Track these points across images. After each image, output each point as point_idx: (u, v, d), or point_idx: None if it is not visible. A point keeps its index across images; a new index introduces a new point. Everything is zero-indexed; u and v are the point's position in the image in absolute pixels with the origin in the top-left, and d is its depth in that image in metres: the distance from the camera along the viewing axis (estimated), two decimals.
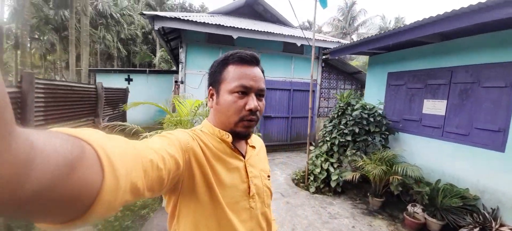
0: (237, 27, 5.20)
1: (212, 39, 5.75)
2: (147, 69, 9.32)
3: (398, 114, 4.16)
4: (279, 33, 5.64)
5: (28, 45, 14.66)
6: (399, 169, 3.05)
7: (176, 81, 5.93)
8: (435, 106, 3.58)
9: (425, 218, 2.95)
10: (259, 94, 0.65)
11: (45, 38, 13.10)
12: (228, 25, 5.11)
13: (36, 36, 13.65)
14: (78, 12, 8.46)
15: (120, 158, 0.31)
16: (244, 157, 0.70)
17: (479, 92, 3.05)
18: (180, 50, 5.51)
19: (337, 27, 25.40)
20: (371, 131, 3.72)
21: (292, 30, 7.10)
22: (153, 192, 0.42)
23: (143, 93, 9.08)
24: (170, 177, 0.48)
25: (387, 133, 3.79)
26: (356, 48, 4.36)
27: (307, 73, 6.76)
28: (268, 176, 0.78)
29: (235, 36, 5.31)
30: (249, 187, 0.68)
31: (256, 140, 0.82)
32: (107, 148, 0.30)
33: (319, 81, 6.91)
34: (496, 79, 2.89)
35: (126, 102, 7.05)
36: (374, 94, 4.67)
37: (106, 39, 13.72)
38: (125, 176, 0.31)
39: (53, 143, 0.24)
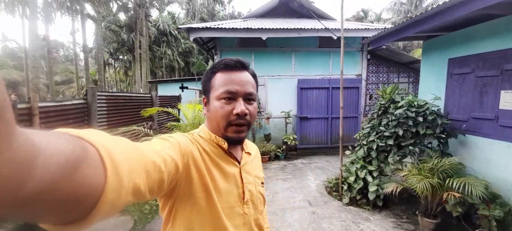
0: (265, 28, 5.12)
1: (244, 43, 5.85)
2: (196, 77, 10.26)
3: (465, 111, 3.24)
4: (306, 28, 5.24)
5: (114, 64, 18.45)
6: (455, 184, 2.34)
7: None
8: None
9: None
10: (248, 98, 0.65)
11: (125, 58, 16.16)
12: (256, 28, 5.09)
13: (120, 57, 17.02)
14: (141, 33, 10.14)
15: (122, 158, 0.31)
16: (239, 162, 0.71)
17: None
18: (215, 56, 5.84)
19: (400, 12, 21.97)
20: (421, 133, 3.01)
21: (327, 23, 6.52)
22: (153, 194, 0.43)
23: (193, 98, 10.06)
24: (169, 179, 0.48)
25: (444, 135, 2.99)
26: (402, 32, 3.62)
27: (349, 68, 6.07)
28: (262, 183, 0.79)
29: (264, 38, 5.24)
30: (243, 193, 0.68)
31: (251, 146, 0.83)
32: (109, 149, 0.30)
33: (364, 76, 6.09)
34: None
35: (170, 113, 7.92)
36: (431, 87, 3.78)
37: (167, 53, 15.86)
38: (128, 176, 0.32)
39: (55, 143, 0.24)
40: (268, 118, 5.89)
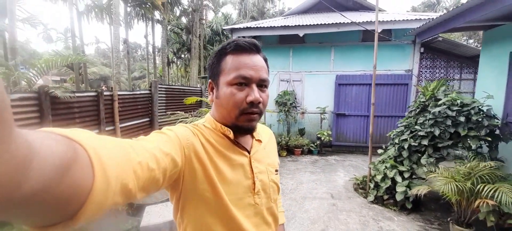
0: (301, 25, 5.22)
1: (283, 40, 6.07)
2: None
3: None
4: (344, 23, 5.04)
5: (176, 62, 21.21)
6: (486, 189, 2.10)
7: None
8: None
9: None
10: (261, 84, 0.61)
11: (185, 56, 18.42)
12: (292, 25, 5.25)
13: (181, 56, 19.47)
14: (196, 34, 11.52)
15: (110, 159, 0.31)
16: (249, 152, 0.67)
17: None
18: None
19: None
20: (462, 134, 2.71)
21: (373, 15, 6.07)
22: (147, 192, 0.42)
23: None
24: (166, 175, 0.47)
25: (489, 138, 2.61)
26: (452, 21, 3.24)
27: (397, 63, 5.58)
28: (276, 171, 0.74)
29: (301, 34, 5.35)
30: (254, 183, 0.65)
31: (264, 131, 0.78)
32: (98, 149, 0.30)
33: (415, 71, 5.48)
34: None
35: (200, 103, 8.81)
36: (489, 84, 3.26)
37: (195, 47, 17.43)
38: (116, 177, 0.31)
39: (49, 144, 0.24)
40: (303, 113, 6.00)
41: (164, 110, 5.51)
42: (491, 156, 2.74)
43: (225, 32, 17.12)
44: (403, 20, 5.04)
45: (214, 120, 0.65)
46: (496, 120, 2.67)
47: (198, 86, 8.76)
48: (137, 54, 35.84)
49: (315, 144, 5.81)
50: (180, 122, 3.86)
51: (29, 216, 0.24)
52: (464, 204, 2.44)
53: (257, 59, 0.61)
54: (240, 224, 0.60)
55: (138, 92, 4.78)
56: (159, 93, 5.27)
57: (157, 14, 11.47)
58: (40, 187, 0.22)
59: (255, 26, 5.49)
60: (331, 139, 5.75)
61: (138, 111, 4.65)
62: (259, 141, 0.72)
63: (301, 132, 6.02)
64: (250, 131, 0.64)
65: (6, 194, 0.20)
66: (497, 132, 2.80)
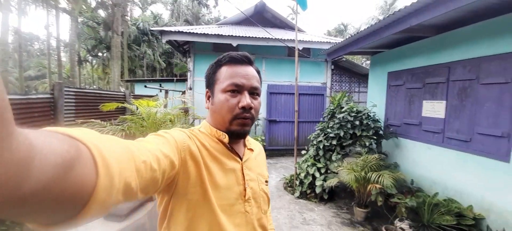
0: (235, 35, 5.46)
1: (218, 48, 6.14)
2: (175, 78, 10.35)
3: (399, 117, 3.75)
4: (272, 38, 5.67)
5: (91, 62, 17.93)
6: (373, 177, 2.76)
7: (183, 91, 6.51)
8: (434, 108, 3.13)
9: None
10: (253, 92, 0.65)
11: (103, 55, 15.80)
12: (226, 34, 5.41)
13: (98, 54, 16.58)
14: (117, 31, 10.15)
15: (114, 157, 0.31)
16: (241, 158, 0.70)
17: (479, 90, 2.58)
18: (188, 59, 6.06)
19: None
20: (358, 135, 3.45)
21: (300, 34, 7.01)
22: (147, 193, 0.43)
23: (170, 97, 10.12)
24: (165, 177, 0.47)
25: (375, 137, 3.45)
26: (348, 47, 4.11)
27: (315, 77, 6.56)
28: (266, 181, 0.77)
29: (234, 44, 5.58)
30: (245, 190, 0.66)
31: (255, 144, 0.81)
32: (101, 148, 0.30)
33: (329, 84, 6.61)
34: (497, 74, 2.41)
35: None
36: (376, 96, 4.29)
37: (147, 53, 15.74)
38: (119, 176, 0.32)
39: (51, 143, 0.24)
40: None
41: (73, 118, 4.54)
42: (378, 150, 3.58)
43: (154, 33, 15.80)
44: (318, 41, 6.03)
45: (209, 125, 0.68)
46: (379, 123, 3.53)
47: (122, 90, 7.67)
48: (34, 48, 28.23)
49: None
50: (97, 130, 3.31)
51: (32, 215, 0.24)
52: (361, 189, 3.08)
53: (249, 69, 0.66)
54: None
55: (34, 97, 3.75)
56: (67, 98, 4.31)
57: (63, 2, 9.43)
58: (42, 186, 0.22)
59: (188, 31, 5.34)
60: (264, 144, 6.14)
61: (33, 120, 3.66)
62: (251, 149, 0.75)
63: None
64: (242, 135, 0.67)
65: (7, 193, 0.20)
66: (381, 132, 3.70)
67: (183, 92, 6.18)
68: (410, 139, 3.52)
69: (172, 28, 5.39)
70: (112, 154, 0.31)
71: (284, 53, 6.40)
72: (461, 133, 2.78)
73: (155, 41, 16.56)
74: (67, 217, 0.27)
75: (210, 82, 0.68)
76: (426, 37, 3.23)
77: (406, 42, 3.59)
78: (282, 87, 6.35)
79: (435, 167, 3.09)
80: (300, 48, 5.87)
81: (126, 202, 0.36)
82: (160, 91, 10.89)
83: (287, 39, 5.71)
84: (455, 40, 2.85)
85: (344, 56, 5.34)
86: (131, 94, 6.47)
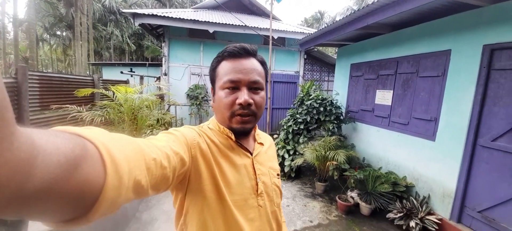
0: (212, 22, 5.49)
1: (194, 34, 6.11)
2: (147, 62, 9.96)
3: (357, 104, 4.26)
4: (249, 26, 5.82)
5: (50, 41, 16.16)
6: (330, 154, 3.23)
7: (157, 77, 6.41)
8: (384, 97, 3.65)
9: (356, 201, 3.12)
10: (253, 87, 0.62)
11: (63, 34, 14.34)
12: (203, 20, 5.42)
13: (57, 33, 14.99)
14: (82, 9, 9.31)
15: (122, 155, 0.31)
16: (251, 153, 0.69)
17: (417, 82, 3.11)
18: (163, 44, 5.95)
19: None
20: (322, 119, 3.88)
21: (275, 23, 7.22)
22: (158, 190, 0.43)
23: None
24: (175, 174, 0.47)
25: (336, 122, 3.92)
26: (318, 39, 4.46)
27: (289, 65, 6.89)
28: (278, 174, 0.76)
29: (211, 30, 5.61)
30: (256, 184, 0.66)
31: (265, 137, 0.81)
32: (109, 146, 0.30)
33: (301, 73, 7.01)
34: (431, 69, 2.93)
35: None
36: (340, 84, 4.76)
37: (115, 34, 14.67)
38: (128, 174, 0.31)
39: (55, 142, 0.24)
40: None
41: (38, 105, 4.30)
42: (338, 133, 4.07)
43: (123, 14, 14.70)
44: (292, 31, 6.31)
45: (217, 122, 0.68)
46: (340, 109, 3.99)
47: (90, 75, 7.25)
48: None
49: None
50: (72, 117, 3.24)
51: (40, 213, 0.24)
52: (322, 167, 3.55)
53: (249, 62, 0.63)
54: (242, 227, 0.61)
55: None
56: (31, 83, 4.06)
57: None
58: (46, 185, 0.22)
59: (163, 15, 5.22)
60: None
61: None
62: (261, 144, 0.75)
63: None
64: (243, 133, 0.66)
65: (10, 193, 0.19)
66: (342, 117, 4.19)
67: (158, 78, 6.11)
68: (364, 123, 4.06)
69: (146, 11, 5.22)
70: (121, 152, 0.31)
71: (260, 42, 6.59)
72: (402, 117, 3.33)
73: (124, 21, 15.42)
74: (77, 215, 0.27)
75: (212, 79, 0.67)
76: (381, 34, 3.68)
77: (367, 37, 4.03)
78: None
79: (382, 146, 3.66)
80: (275, 38, 6.12)
81: (137, 199, 0.37)
82: (131, 76, 10.45)
83: (263, 28, 5.89)
84: (403, 38, 3.32)
85: (316, 47, 5.71)
86: (100, 79, 6.20)
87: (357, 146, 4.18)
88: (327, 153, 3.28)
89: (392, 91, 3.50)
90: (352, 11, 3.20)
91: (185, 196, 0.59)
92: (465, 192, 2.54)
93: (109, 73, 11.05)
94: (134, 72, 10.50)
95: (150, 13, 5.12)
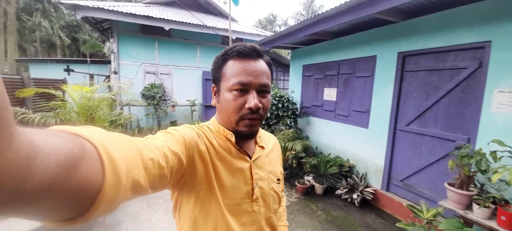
0: (168, 19, 5.33)
1: (147, 30, 5.79)
2: (88, 59, 8.84)
3: (309, 101, 4.83)
4: (208, 26, 5.89)
5: None
6: (289, 145, 3.66)
7: (107, 76, 5.87)
8: (330, 94, 4.27)
9: (312, 184, 3.62)
10: (262, 90, 0.61)
11: None
12: (158, 17, 5.21)
13: None
14: None
15: (121, 155, 0.31)
16: (250, 157, 0.68)
17: (354, 81, 3.77)
18: (111, 40, 5.47)
19: (299, 21, 26.23)
20: (281, 115, 4.29)
21: (233, 24, 7.40)
22: (155, 189, 0.43)
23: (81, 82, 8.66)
24: (173, 174, 0.47)
25: (293, 116, 4.40)
26: (271, 43, 4.86)
27: None
28: (278, 179, 0.74)
29: (167, 28, 5.44)
30: (252, 190, 0.65)
31: (268, 139, 0.79)
32: (107, 145, 0.30)
33: None
34: (364, 71, 3.60)
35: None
36: (294, 83, 5.29)
37: (43, 26, 12.43)
38: (126, 173, 0.31)
39: (54, 142, 0.24)
40: (173, 106, 6.16)
41: None
42: (295, 127, 4.56)
43: (53, 1, 12.51)
44: (250, 33, 6.62)
45: (218, 123, 0.66)
46: (296, 105, 4.47)
47: (17, 73, 6.08)
48: None
49: None
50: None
51: (39, 213, 0.24)
52: (282, 156, 3.95)
53: (258, 64, 0.61)
54: (233, 230, 0.61)
55: None
56: None
57: None
58: (45, 185, 0.22)
59: (111, 9, 4.80)
60: None
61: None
62: (262, 147, 0.72)
63: (174, 124, 6.17)
64: (249, 136, 0.64)
65: (9, 193, 0.19)
66: (297, 112, 4.69)
67: (107, 77, 5.57)
68: (316, 117, 4.65)
69: (89, 3, 4.70)
70: (120, 152, 0.31)
71: (219, 41, 6.68)
72: (344, 111, 3.98)
73: (53, 11, 13.15)
74: (76, 214, 0.27)
75: (216, 78, 0.64)
76: (327, 40, 4.28)
77: (315, 42, 4.61)
78: None
79: (330, 135, 4.29)
80: (233, 38, 6.30)
81: (136, 197, 0.37)
82: (68, 74, 9.11)
83: (221, 28, 6.00)
84: (343, 45, 3.96)
85: (272, 49, 6.14)
86: (31, 78, 5.29)
87: (311, 136, 4.75)
88: (286, 144, 3.68)
89: (336, 89, 4.13)
90: (301, 16, 3.66)
91: (180, 193, 0.60)
92: (391, 166, 3.26)
93: (38, 71, 9.36)
94: (72, 70, 9.21)
95: (96, 6, 4.64)
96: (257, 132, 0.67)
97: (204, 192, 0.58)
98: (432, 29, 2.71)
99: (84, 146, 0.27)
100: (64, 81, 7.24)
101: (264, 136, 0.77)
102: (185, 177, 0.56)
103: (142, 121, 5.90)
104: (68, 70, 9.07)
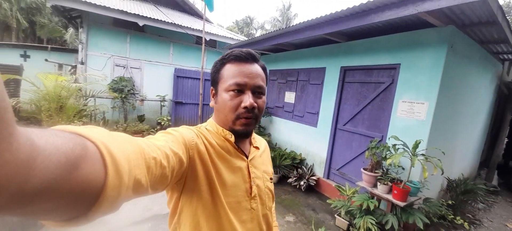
0: (142, 15, 5.48)
1: (119, 24, 5.83)
2: (49, 46, 8.31)
3: (273, 102, 5.42)
4: (183, 26, 6.18)
5: None
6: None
7: (73, 66, 5.73)
8: (290, 97, 4.91)
9: None
10: (257, 91, 0.65)
11: None
12: (132, 12, 5.34)
13: None
14: None
15: (122, 155, 0.31)
16: (247, 157, 0.70)
17: (309, 87, 4.45)
18: (80, 30, 5.41)
19: (275, 26, 27.28)
20: None
21: (208, 26, 7.73)
22: (156, 189, 0.43)
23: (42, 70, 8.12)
24: (173, 174, 0.48)
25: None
26: (249, 46, 5.36)
27: None
28: (271, 179, 0.79)
29: (140, 24, 5.58)
30: (251, 188, 0.68)
31: (260, 141, 0.82)
32: (109, 145, 0.30)
33: None
34: (316, 79, 4.29)
35: (19, 82, 6.32)
36: None
37: (2, 8, 11.19)
38: (128, 173, 0.31)
39: (54, 142, 0.24)
40: (142, 100, 6.25)
41: None
42: (258, 124, 5.08)
43: None
44: (223, 36, 7.03)
45: (216, 124, 0.69)
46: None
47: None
48: None
49: (155, 129, 6.34)
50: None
51: (40, 213, 0.24)
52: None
53: (253, 68, 0.65)
54: (236, 229, 0.63)
55: None
56: None
57: None
58: (46, 186, 0.22)
59: (83, 0, 4.81)
60: (171, 124, 6.58)
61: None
62: (257, 147, 0.76)
63: (141, 119, 6.24)
64: (245, 135, 0.67)
65: (10, 194, 0.20)
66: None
67: (74, 67, 5.47)
68: (277, 117, 5.25)
69: None
70: (122, 151, 0.32)
71: (192, 41, 6.95)
72: (300, 112, 4.63)
73: None
74: (78, 214, 0.27)
75: (215, 81, 0.68)
76: (289, 50, 4.92)
77: (280, 51, 5.22)
78: (189, 72, 6.93)
79: (288, 133, 4.91)
80: (207, 39, 6.65)
81: (137, 197, 0.37)
82: (25, 61, 8.43)
83: (195, 29, 6.31)
84: (301, 56, 4.63)
85: None
86: None
87: (272, 134, 5.33)
88: None
89: (295, 93, 4.78)
90: (277, 21, 4.22)
91: (180, 196, 0.60)
92: (331, 159, 3.97)
93: None
94: (28, 56, 8.55)
95: None
96: (252, 131, 0.70)
97: (206, 193, 0.59)
98: (363, 51, 3.47)
99: (85, 145, 0.27)
100: (20, 68, 6.79)
101: (257, 138, 0.81)
102: (185, 177, 0.57)
103: (108, 113, 5.88)
104: (25, 56, 8.42)
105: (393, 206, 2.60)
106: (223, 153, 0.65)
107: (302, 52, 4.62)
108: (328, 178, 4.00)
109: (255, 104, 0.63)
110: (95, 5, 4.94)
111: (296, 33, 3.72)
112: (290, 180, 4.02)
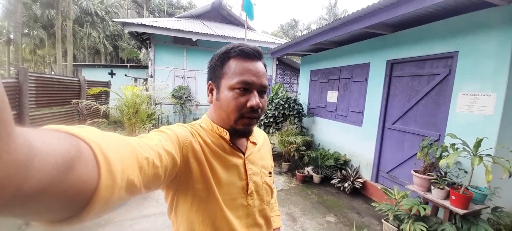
0: (195, 31, 6.29)
1: (178, 41, 6.83)
2: (128, 64, 10.32)
3: (315, 102, 5.36)
4: (229, 36, 6.74)
5: (19, 41, 15.40)
6: (291, 139, 4.25)
7: (145, 79, 7.00)
8: (332, 96, 4.78)
9: (310, 174, 4.16)
10: (262, 90, 0.63)
11: (34, 33, 13.86)
12: (187, 30, 6.19)
13: (26, 32, 14.37)
14: (64, 12, 9.44)
15: (116, 155, 0.31)
16: (243, 153, 0.69)
17: (352, 85, 4.26)
18: (149, 49, 6.58)
19: (322, 25, 26.21)
20: (287, 114, 4.91)
21: (250, 33, 8.20)
22: (149, 189, 0.43)
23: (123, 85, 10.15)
24: (167, 173, 0.48)
25: (297, 115, 4.99)
26: (284, 50, 5.51)
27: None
28: (270, 173, 0.78)
29: (194, 39, 6.40)
30: (247, 185, 0.67)
31: (259, 135, 0.80)
32: (102, 146, 0.30)
33: (274, 77, 8.06)
34: (360, 76, 4.08)
35: (108, 95, 8.11)
36: (303, 86, 5.86)
37: (91, 36, 14.59)
38: (121, 173, 0.32)
39: (51, 142, 0.24)
40: (197, 105, 7.10)
41: (33, 103, 4.73)
42: (300, 125, 5.13)
43: (99, 13, 14.65)
44: (265, 41, 7.34)
45: (210, 121, 0.67)
46: (301, 106, 5.05)
47: (75, 78, 7.55)
48: None
49: None
50: (66, 113, 3.79)
51: (35, 213, 0.24)
52: (286, 149, 4.55)
53: (259, 66, 0.63)
54: (231, 224, 0.63)
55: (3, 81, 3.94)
56: (29, 84, 4.49)
57: None
58: (43, 186, 0.22)
59: (150, 24, 5.89)
60: None
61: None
62: (254, 143, 0.74)
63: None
64: (247, 134, 0.67)
65: (7, 194, 0.20)
66: (303, 112, 5.25)
67: (145, 80, 6.70)
68: (320, 117, 5.17)
69: (135, 21, 5.84)
70: (115, 152, 0.32)
71: None
72: (343, 111, 4.46)
73: (100, 22, 15.35)
74: (71, 215, 0.27)
75: (216, 75, 0.64)
76: (330, 49, 4.82)
77: (321, 50, 5.16)
78: None
79: (331, 133, 4.78)
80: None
81: (130, 197, 0.37)
82: (111, 77, 10.65)
83: (239, 37, 6.82)
84: (343, 53, 4.48)
85: (285, 55, 6.79)
86: (86, 80, 6.61)
87: (315, 134, 5.27)
88: (289, 138, 4.29)
89: (337, 92, 4.63)
90: (324, 20, 4.26)
91: (175, 193, 0.60)
92: (379, 160, 3.69)
93: (88, 74, 11.15)
94: (114, 73, 10.77)
95: (140, 23, 5.76)
96: (252, 130, 0.69)
97: (201, 191, 0.59)
98: (413, 40, 3.16)
99: (79, 146, 0.27)
100: (109, 83, 8.67)
101: (255, 132, 0.77)
102: (179, 176, 0.56)
103: (171, 117, 6.92)
104: (111, 73, 10.69)
105: (452, 213, 2.30)
106: (218, 151, 0.64)
107: (343, 49, 4.46)
108: (376, 181, 3.73)
109: (261, 104, 0.61)
110: (159, 28, 5.97)
111: (334, 30, 3.66)
112: (333, 181, 3.93)
